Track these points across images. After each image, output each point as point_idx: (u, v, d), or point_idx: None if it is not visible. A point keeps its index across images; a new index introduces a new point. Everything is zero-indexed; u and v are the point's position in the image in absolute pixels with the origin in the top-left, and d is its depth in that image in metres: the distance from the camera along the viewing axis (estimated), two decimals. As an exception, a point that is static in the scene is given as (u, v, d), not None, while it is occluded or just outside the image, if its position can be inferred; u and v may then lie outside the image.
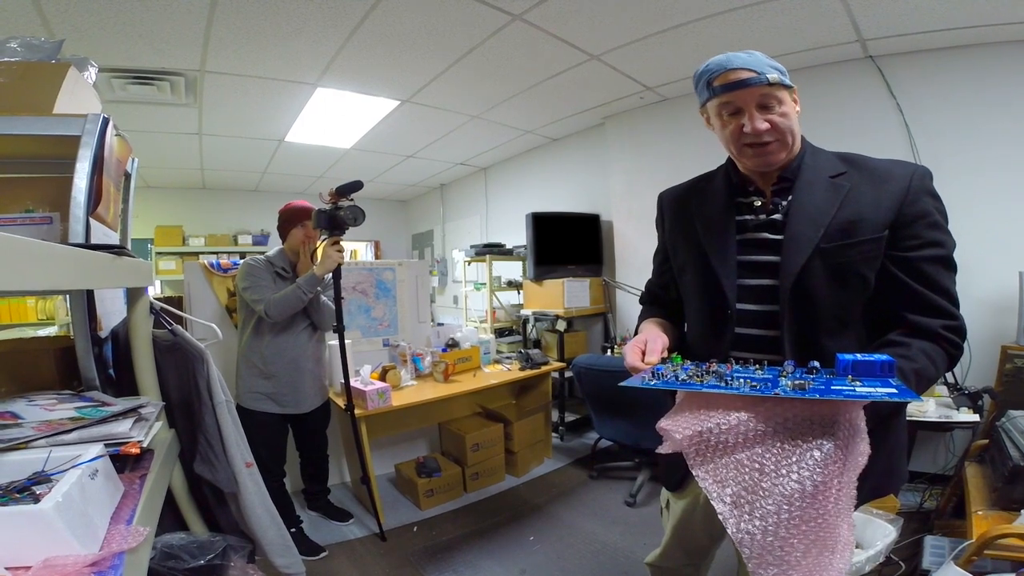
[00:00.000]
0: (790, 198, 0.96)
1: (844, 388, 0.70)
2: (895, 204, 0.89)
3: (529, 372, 3.29)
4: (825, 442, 0.70)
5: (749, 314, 0.98)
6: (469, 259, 4.94)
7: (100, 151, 1.07)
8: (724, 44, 2.63)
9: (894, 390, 0.69)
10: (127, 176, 1.57)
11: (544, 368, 3.39)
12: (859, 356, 0.75)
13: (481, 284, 4.89)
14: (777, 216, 0.97)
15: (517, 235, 4.63)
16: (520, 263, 4.71)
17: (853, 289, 0.91)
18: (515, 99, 3.68)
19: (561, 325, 3.92)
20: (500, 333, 4.54)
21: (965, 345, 0.91)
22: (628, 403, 2.63)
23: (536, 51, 2.88)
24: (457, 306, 5.96)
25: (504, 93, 3.57)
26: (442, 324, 3.72)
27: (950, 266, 0.91)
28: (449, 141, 4.69)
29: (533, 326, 4.38)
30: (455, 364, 3.07)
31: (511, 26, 2.57)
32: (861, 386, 0.71)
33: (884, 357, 0.74)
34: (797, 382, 0.73)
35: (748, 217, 1.00)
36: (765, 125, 0.90)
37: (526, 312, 4.32)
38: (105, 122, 1.09)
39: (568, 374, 3.65)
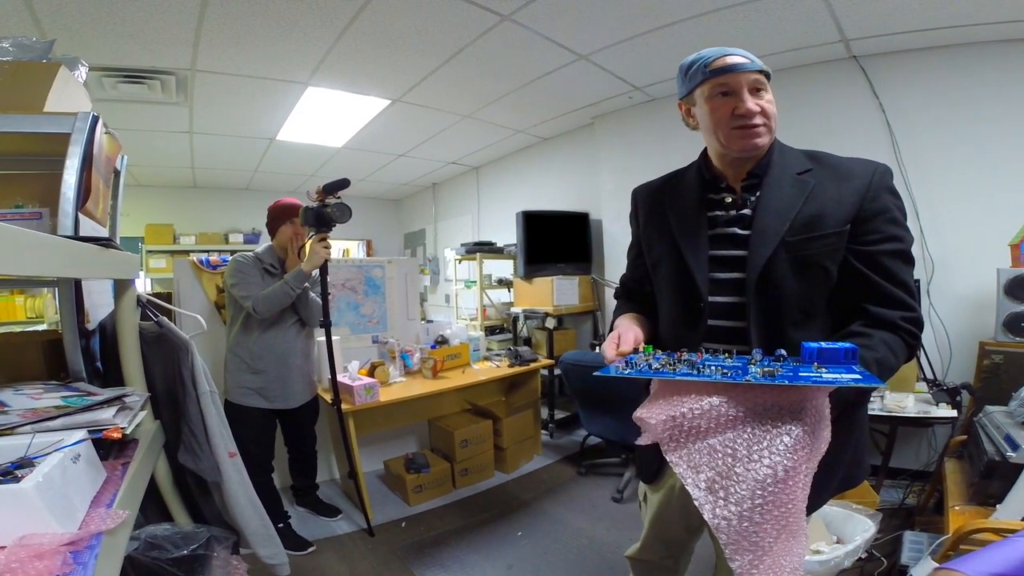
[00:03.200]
0: (758, 194, 0.99)
1: (811, 375, 0.73)
2: (857, 200, 0.93)
3: (518, 369, 3.32)
4: (794, 427, 0.72)
5: (720, 306, 1.01)
6: (460, 257, 4.96)
7: (89, 148, 1.09)
8: (710, 44, 2.62)
9: (858, 376, 0.71)
10: (116, 173, 1.58)
11: (533, 365, 3.41)
12: (824, 344, 0.78)
13: (472, 282, 4.92)
14: (746, 212, 1.00)
15: (508, 234, 4.66)
16: (511, 261, 4.74)
17: (816, 281, 0.94)
18: (505, 99, 3.70)
19: (551, 323, 3.95)
20: (491, 331, 4.57)
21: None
22: (614, 399, 2.66)
23: (525, 51, 2.91)
24: (449, 304, 5.98)
25: (494, 93, 3.59)
26: (431, 321, 3.74)
27: (908, 260, 0.95)
28: (441, 140, 4.71)
29: (523, 324, 4.41)
30: (444, 361, 3.09)
31: (500, 26, 2.60)
32: (827, 373, 0.73)
33: (848, 345, 0.77)
34: (766, 369, 0.75)
35: (719, 213, 1.03)
36: (756, 107, 0.94)
37: (516, 310, 4.35)
38: (95, 120, 1.11)
39: (557, 371, 3.67)
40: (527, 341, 4.34)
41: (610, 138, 4.15)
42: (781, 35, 2.70)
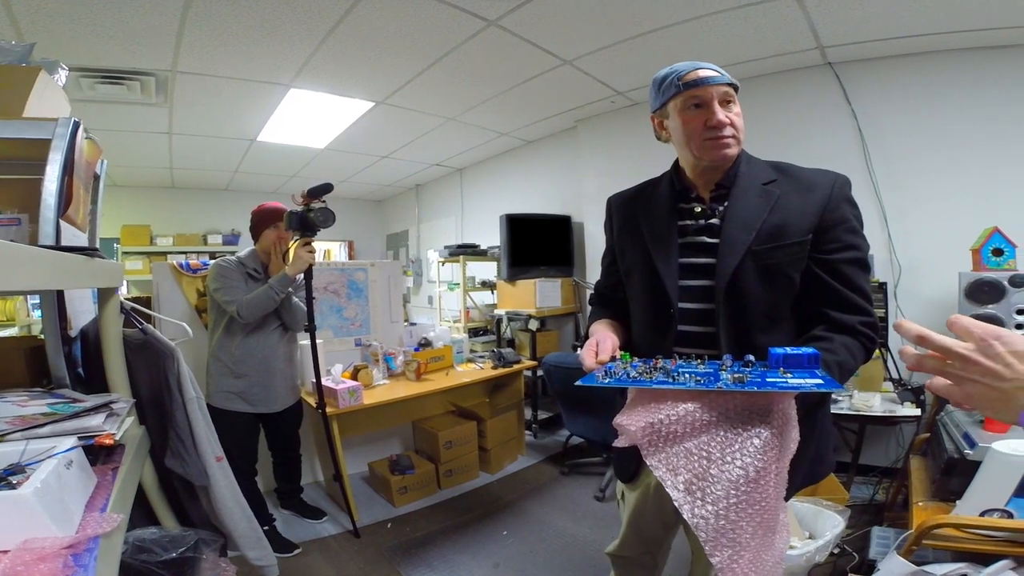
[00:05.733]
0: (726, 204, 1.04)
1: (778, 380, 0.77)
2: (818, 210, 0.99)
3: (502, 370, 3.35)
4: (763, 430, 0.76)
5: (690, 312, 1.06)
6: (443, 260, 4.97)
7: (70, 155, 1.09)
8: (690, 50, 2.77)
9: (820, 381, 0.76)
10: (96, 177, 1.57)
11: (516, 367, 3.45)
12: (788, 350, 0.83)
13: (455, 284, 4.94)
14: (715, 221, 1.05)
15: (492, 236, 4.69)
16: (494, 263, 4.77)
17: (780, 288, 1.00)
18: (490, 102, 3.74)
19: (534, 324, 3.99)
20: (474, 333, 4.59)
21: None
22: (595, 400, 2.70)
23: (510, 55, 2.94)
24: (432, 306, 5.98)
25: (479, 96, 3.62)
26: (415, 324, 3.75)
27: (865, 267, 1.01)
28: (425, 142, 4.71)
29: (507, 325, 4.45)
30: (427, 363, 3.11)
31: (486, 31, 2.63)
32: (792, 377, 0.78)
33: (810, 351, 0.82)
34: (736, 375, 0.80)
35: (689, 222, 1.08)
36: (727, 119, 0.99)
37: (500, 312, 4.38)
38: (76, 125, 1.11)
39: (540, 372, 3.72)
40: (511, 343, 4.37)
41: (593, 142, 4.21)
42: (759, 42, 2.78)
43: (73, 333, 1.38)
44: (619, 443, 0.83)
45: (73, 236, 1.22)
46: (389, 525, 2.62)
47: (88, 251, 1.03)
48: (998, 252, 2.31)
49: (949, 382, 0.54)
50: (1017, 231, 2.30)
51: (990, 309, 2.25)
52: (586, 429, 2.97)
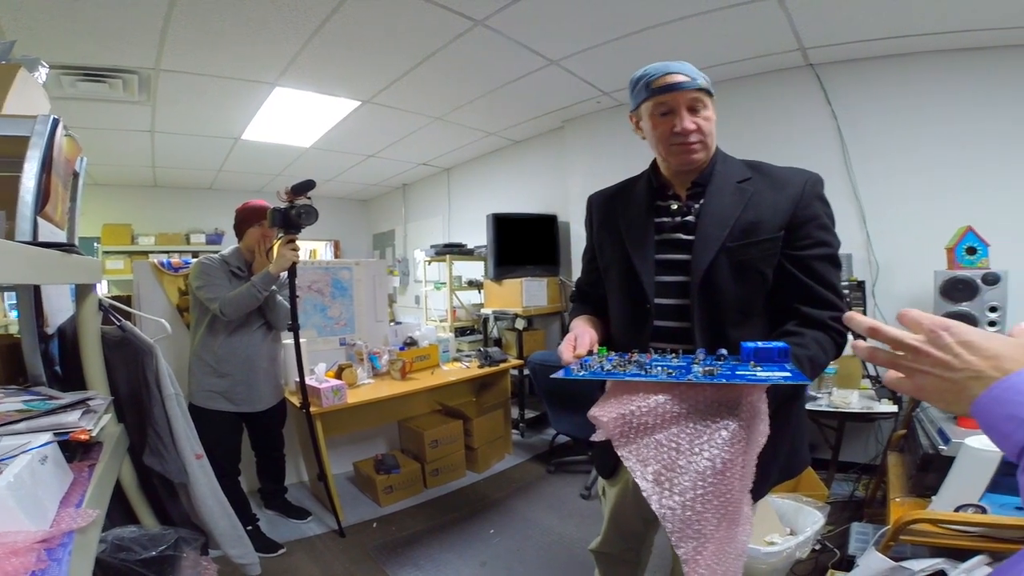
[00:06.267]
0: (702, 202, 1.06)
1: (747, 373, 0.79)
2: (791, 208, 1.01)
3: (488, 369, 3.36)
4: (731, 423, 0.77)
5: (665, 308, 1.08)
6: (430, 259, 4.97)
7: (49, 152, 1.08)
8: (675, 51, 2.80)
9: (788, 374, 0.78)
10: (75, 175, 1.56)
11: (503, 365, 3.46)
12: (759, 344, 0.84)
13: (442, 283, 4.93)
14: (690, 218, 1.07)
15: (478, 235, 4.70)
16: (481, 263, 4.78)
17: (753, 284, 1.02)
18: (477, 102, 3.74)
19: (520, 323, 4.00)
20: (461, 332, 4.59)
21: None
22: (581, 398, 2.69)
23: (498, 55, 2.95)
24: (418, 306, 5.97)
25: (466, 96, 3.63)
26: (400, 323, 3.74)
27: (836, 263, 1.04)
28: (411, 142, 4.70)
29: (494, 325, 4.46)
30: (413, 362, 3.11)
31: (474, 31, 2.63)
32: (761, 371, 0.79)
33: (780, 344, 0.83)
34: (707, 368, 0.81)
35: (665, 219, 1.10)
36: (693, 125, 1.01)
37: (486, 311, 4.39)
38: (55, 123, 1.10)
39: (527, 371, 3.73)
40: (497, 342, 4.38)
41: (579, 141, 4.24)
42: (743, 43, 2.81)
43: (50, 331, 1.36)
44: (596, 437, 0.84)
45: (51, 233, 1.21)
46: (375, 525, 2.62)
47: (65, 247, 1.02)
48: (972, 251, 2.36)
49: (901, 375, 0.55)
50: (990, 230, 2.36)
51: (964, 307, 2.30)
52: (572, 427, 2.99)
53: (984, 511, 1.31)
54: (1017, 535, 1.23)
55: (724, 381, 0.77)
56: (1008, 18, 2.32)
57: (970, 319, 2.28)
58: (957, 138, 2.69)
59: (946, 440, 1.56)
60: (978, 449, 1.31)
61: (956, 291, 2.33)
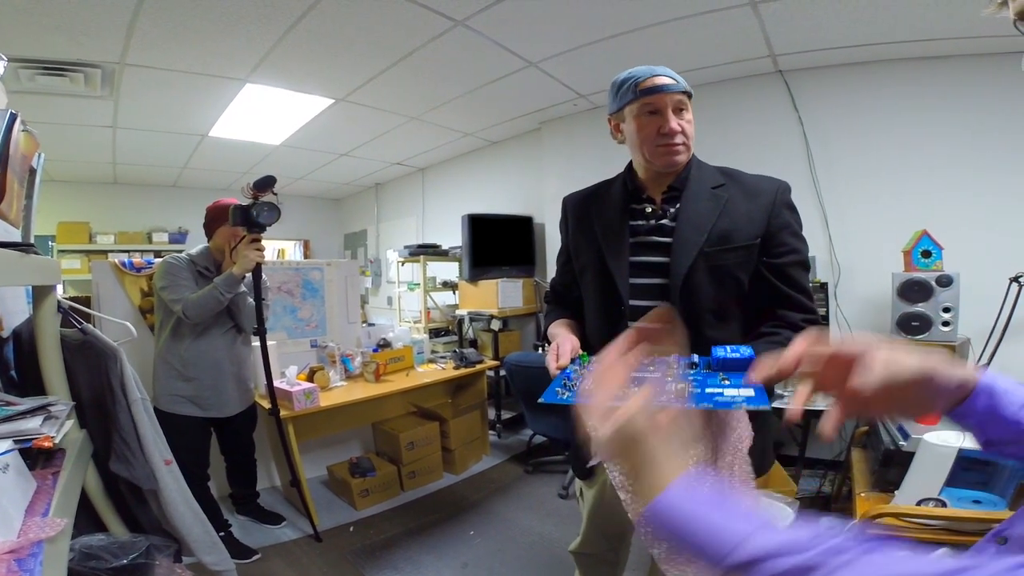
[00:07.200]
0: (678, 206, 1.09)
1: (715, 392, 0.79)
2: (764, 217, 1.05)
3: (464, 371, 3.35)
4: (705, 433, 0.81)
5: (640, 309, 1.09)
6: (403, 260, 4.92)
7: (5, 148, 1.03)
8: (651, 55, 2.84)
9: (752, 394, 0.78)
10: (32, 172, 1.49)
11: (479, 367, 3.45)
12: (728, 352, 0.85)
13: (415, 284, 4.89)
14: (665, 221, 1.10)
15: (453, 236, 4.68)
16: (456, 264, 4.75)
17: (728, 289, 1.06)
18: (455, 102, 3.72)
19: (496, 324, 4.00)
20: (436, 333, 4.56)
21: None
22: (557, 398, 2.74)
23: (476, 56, 2.94)
24: (391, 307, 5.90)
25: (444, 96, 3.61)
26: (373, 324, 3.70)
27: (806, 267, 1.09)
28: (386, 141, 4.65)
29: (469, 326, 4.44)
30: (387, 364, 3.07)
31: (453, 31, 2.62)
32: (729, 386, 0.80)
33: (749, 354, 0.84)
34: (679, 387, 0.81)
35: (640, 222, 1.12)
36: (679, 127, 1.03)
37: (461, 312, 4.37)
38: (12, 118, 1.05)
39: (503, 372, 3.73)
40: (473, 343, 4.37)
41: (555, 143, 4.27)
42: (716, 49, 2.88)
43: (5, 334, 1.30)
44: (593, 462, 0.86)
45: (5, 232, 1.16)
46: (351, 528, 2.58)
47: (23, 247, 0.97)
48: (927, 254, 2.47)
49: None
50: (945, 233, 2.46)
51: (919, 307, 2.40)
52: (549, 428, 3.00)
53: (944, 504, 1.36)
54: (976, 527, 1.28)
55: (693, 406, 0.77)
56: (966, 28, 2.42)
57: (925, 320, 2.39)
58: (915, 144, 2.80)
59: (906, 436, 1.61)
60: (936, 445, 1.36)
61: (912, 292, 2.42)
